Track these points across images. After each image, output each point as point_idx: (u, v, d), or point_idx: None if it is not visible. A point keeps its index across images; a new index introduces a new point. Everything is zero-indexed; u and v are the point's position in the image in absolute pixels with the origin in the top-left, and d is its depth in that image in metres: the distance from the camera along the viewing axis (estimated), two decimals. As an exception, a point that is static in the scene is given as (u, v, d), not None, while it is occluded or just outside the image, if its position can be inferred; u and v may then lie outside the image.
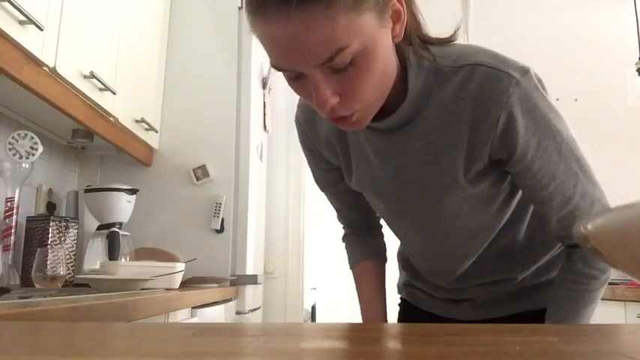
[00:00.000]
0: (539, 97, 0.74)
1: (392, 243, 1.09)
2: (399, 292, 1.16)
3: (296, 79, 0.66)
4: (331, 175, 0.98)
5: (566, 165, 0.76)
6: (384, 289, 1.06)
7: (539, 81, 0.75)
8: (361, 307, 1.06)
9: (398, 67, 0.74)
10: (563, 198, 0.77)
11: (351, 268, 1.09)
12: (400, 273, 1.16)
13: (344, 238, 1.11)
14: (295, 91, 0.69)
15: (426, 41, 0.75)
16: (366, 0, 0.61)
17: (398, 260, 1.16)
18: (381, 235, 1.10)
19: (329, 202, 1.08)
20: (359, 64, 0.63)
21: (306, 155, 1.00)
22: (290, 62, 0.63)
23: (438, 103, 0.76)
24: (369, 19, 0.62)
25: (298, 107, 0.95)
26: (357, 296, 1.07)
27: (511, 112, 0.72)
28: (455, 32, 0.77)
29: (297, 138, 0.98)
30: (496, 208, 0.86)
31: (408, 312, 1.13)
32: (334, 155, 0.93)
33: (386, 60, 0.67)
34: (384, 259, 1.09)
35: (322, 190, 1.05)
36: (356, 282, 1.07)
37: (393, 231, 1.00)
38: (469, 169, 0.78)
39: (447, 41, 0.76)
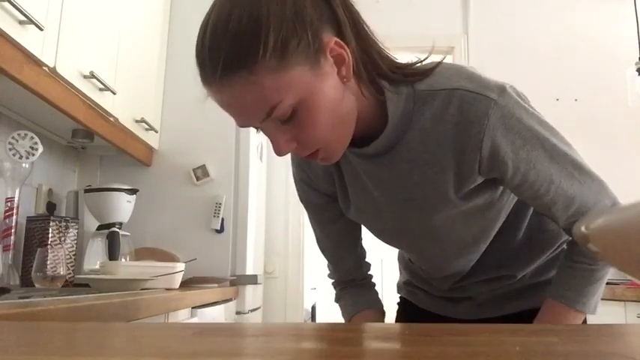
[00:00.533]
0: (521, 111, 0.74)
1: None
2: (399, 291, 1.16)
3: (259, 130, 0.71)
4: (331, 208, 0.97)
5: (560, 167, 0.76)
6: None
7: (519, 95, 0.75)
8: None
9: (372, 98, 0.75)
10: (565, 199, 0.78)
11: (348, 321, 1.04)
12: (400, 273, 1.17)
13: (339, 296, 1.07)
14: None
15: (401, 68, 0.75)
16: (292, 57, 0.64)
17: (398, 261, 1.16)
18: (374, 286, 1.08)
19: (325, 256, 1.05)
20: (301, 113, 0.67)
21: (304, 191, 0.98)
22: (240, 121, 0.69)
23: (419, 126, 0.77)
24: (300, 72, 0.65)
25: None
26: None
27: (494, 134, 0.72)
28: (425, 59, 0.77)
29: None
30: (492, 214, 0.87)
31: (407, 311, 1.13)
32: (332, 186, 0.93)
33: (333, 103, 0.69)
34: (383, 312, 1.06)
35: (322, 232, 1.02)
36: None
37: (393, 247, 1.01)
38: (460, 189, 0.79)
39: (422, 72, 0.76)
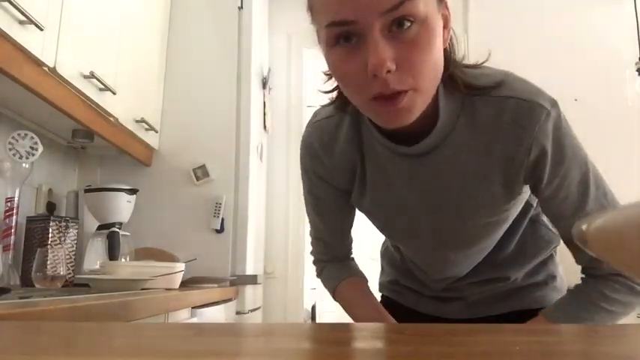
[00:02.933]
0: (567, 128, 0.75)
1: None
2: (381, 289, 1.15)
3: (346, 42, 0.63)
4: (337, 201, 0.96)
5: (595, 196, 0.76)
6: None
7: None
8: (362, 312, 0.98)
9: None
10: None
11: (334, 289, 1.01)
12: (383, 271, 1.15)
13: (322, 269, 1.05)
14: (338, 67, 0.66)
15: (458, 67, 0.76)
16: None
17: (382, 258, 1.15)
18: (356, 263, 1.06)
19: (316, 238, 1.03)
20: (419, 34, 0.62)
21: (313, 183, 0.95)
22: (355, 7, 0.60)
23: (468, 131, 0.76)
24: (432, 0, 0.64)
25: (313, 130, 0.91)
26: (351, 307, 1.00)
27: (543, 141, 0.73)
28: (484, 61, 0.78)
29: (300, 159, 0.95)
30: (507, 224, 0.88)
31: (390, 310, 1.12)
32: (349, 178, 0.90)
33: (439, 49, 0.66)
34: (367, 281, 1.03)
35: (321, 222, 1.00)
36: (347, 296, 1.00)
37: (401, 246, 1.00)
38: (508, 200, 0.79)
39: (472, 67, 0.77)
